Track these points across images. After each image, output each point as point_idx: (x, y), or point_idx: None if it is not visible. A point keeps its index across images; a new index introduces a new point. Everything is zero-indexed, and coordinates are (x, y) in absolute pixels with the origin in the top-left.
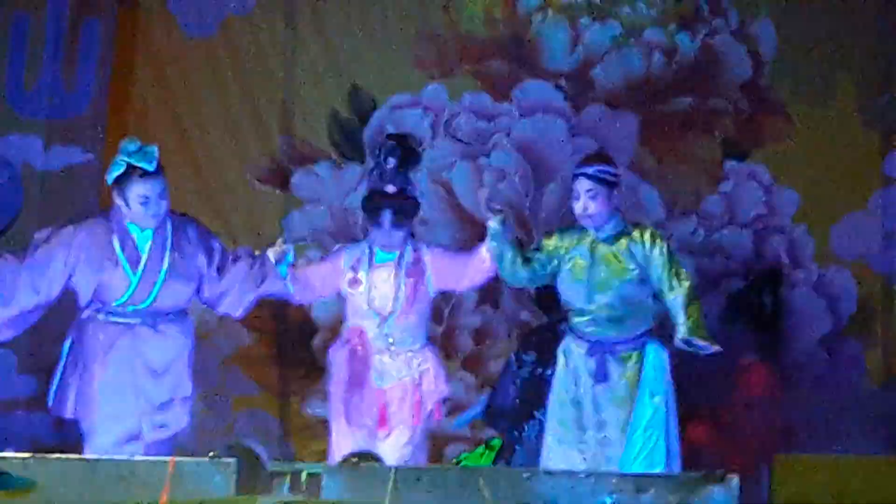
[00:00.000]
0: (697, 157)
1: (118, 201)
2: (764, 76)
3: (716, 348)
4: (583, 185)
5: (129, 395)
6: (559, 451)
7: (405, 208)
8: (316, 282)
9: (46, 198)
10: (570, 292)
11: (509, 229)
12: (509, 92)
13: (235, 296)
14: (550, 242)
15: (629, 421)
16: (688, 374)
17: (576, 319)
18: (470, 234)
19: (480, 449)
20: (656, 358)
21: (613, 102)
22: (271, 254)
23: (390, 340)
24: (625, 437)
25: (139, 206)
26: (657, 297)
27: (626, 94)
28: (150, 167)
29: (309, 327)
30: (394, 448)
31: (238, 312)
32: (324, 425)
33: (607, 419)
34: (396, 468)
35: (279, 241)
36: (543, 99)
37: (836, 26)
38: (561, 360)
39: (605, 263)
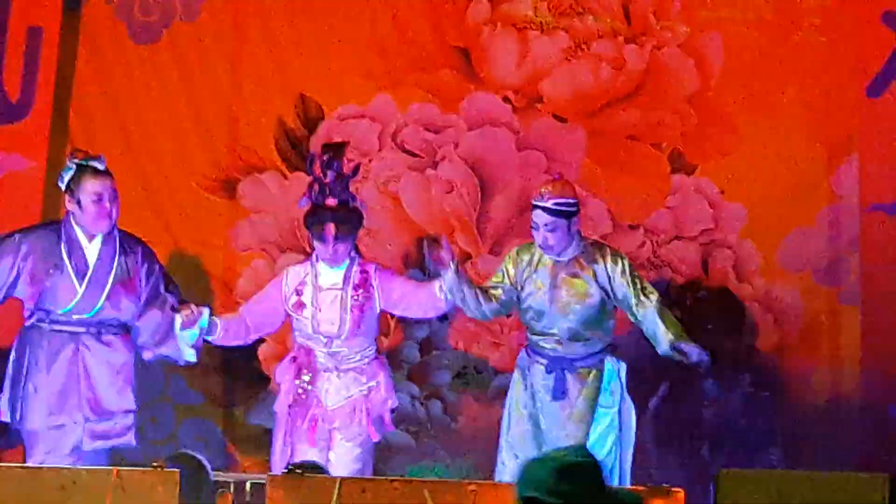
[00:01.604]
0: (645, 170)
1: (70, 206)
2: (712, 89)
3: (705, 355)
4: (542, 218)
5: (72, 404)
6: (515, 466)
7: (348, 220)
8: (259, 319)
9: None
10: (530, 315)
11: (462, 275)
12: (457, 104)
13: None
14: (510, 269)
15: (587, 437)
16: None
17: (535, 337)
18: (418, 246)
19: (425, 465)
20: (612, 372)
21: (561, 115)
22: (178, 318)
23: (338, 359)
24: None
25: (92, 204)
26: (628, 313)
27: (574, 107)
28: (101, 166)
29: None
30: (344, 463)
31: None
32: (268, 435)
33: (566, 436)
34: (342, 479)
35: (192, 306)
36: (491, 111)
37: (783, 40)
38: (517, 374)
39: (566, 287)
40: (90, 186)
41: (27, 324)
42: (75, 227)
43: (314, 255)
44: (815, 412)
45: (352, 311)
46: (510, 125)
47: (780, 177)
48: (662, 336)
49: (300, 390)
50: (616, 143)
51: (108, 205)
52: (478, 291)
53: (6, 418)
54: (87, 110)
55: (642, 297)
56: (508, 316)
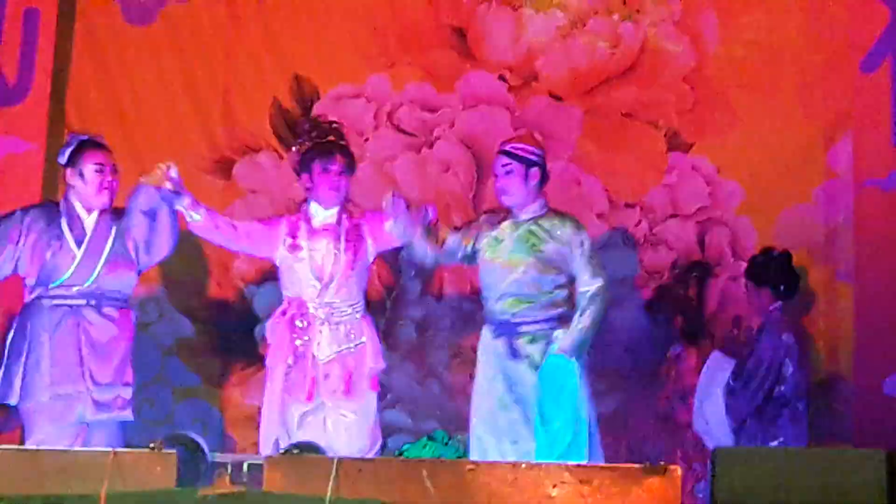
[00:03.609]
0: (641, 148)
1: (71, 180)
2: (707, 67)
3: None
4: (500, 161)
5: (75, 374)
6: (491, 443)
7: (350, 155)
8: (252, 234)
9: None
10: (485, 272)
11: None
12: (453, 83)
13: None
14: (470, 227)
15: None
16: (624, 367)
17: (489, 305)
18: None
19: (423, 440)
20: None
21: (557, 93)
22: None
23: (330, 310)
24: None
25: (95, 174)
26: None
27: (569, 86)
28: (102, 142)
29: (250, 317)
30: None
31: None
32: None
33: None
34: (339, 459)
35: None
36: (487, 90)
37: (778, 17)
38: (480, 357)
39: (520, 241)
40: (92, 156)
41: (28, 300)
42: (75, 201)
43: (307, 201)
44: (812, 388)
45: (346, 251)
46: (506, 104)
47: (775, 154)
48: (560, 333)
49: (300, 346)
50: (612, 121)
51: (109, 177)
52: (428, 238)
53: (14, 400)
54: (83, 92)
55: (588, 277)
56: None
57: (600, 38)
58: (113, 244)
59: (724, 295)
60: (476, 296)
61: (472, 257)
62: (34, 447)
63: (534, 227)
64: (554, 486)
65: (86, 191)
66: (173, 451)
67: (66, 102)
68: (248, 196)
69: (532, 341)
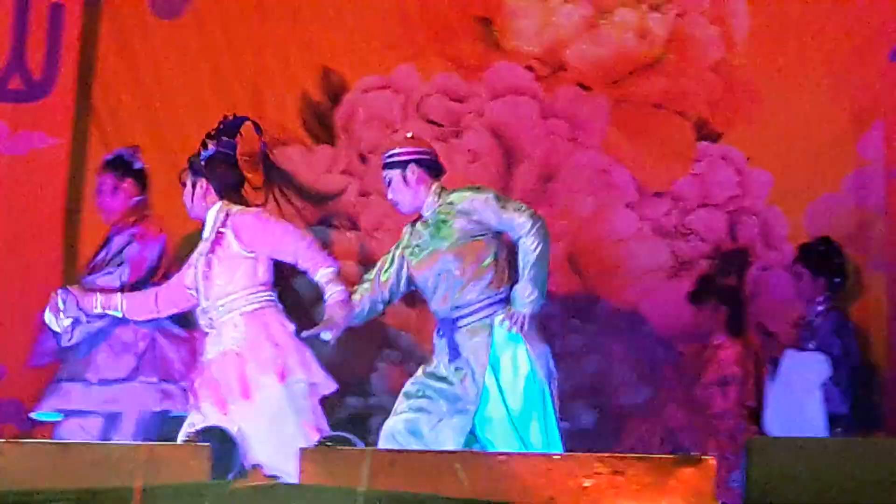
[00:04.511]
0: (670, 138)
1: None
2: (736, 56)
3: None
4: (382, 177)
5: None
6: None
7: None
8: (166, 294)
9: (12, 182)
10: (419, 282)
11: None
12: (480, 73)
13: None
14: (392, 253)
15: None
16: (661, 356)
17: (433, 310)
18: None
19: None
20: (501, 327)
21: (585, 83)
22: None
23: (209, 315)
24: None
25: None
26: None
27: (597, 75)
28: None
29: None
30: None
31: None
32: None
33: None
34: (372, 451)
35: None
36: (515, 80)
37: (807, 6)
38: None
39: (432, 234)
40: None
41: None
42: None
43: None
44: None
45: (208, 253)
46: (534, 94)
47: (805, 143)
48: (521, 272)
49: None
50: (641, 111)
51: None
52: (368, 302)
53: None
54: (111, 86)
55: (515, 220)
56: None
57: (628, 27)
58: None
59: (758, 284)
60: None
61: (404, 284)
62: (66, 441)
63: (440, 215)
64: (587, 477)
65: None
66: (206, 444)
67: (92, 97)
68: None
69: (474, 335)
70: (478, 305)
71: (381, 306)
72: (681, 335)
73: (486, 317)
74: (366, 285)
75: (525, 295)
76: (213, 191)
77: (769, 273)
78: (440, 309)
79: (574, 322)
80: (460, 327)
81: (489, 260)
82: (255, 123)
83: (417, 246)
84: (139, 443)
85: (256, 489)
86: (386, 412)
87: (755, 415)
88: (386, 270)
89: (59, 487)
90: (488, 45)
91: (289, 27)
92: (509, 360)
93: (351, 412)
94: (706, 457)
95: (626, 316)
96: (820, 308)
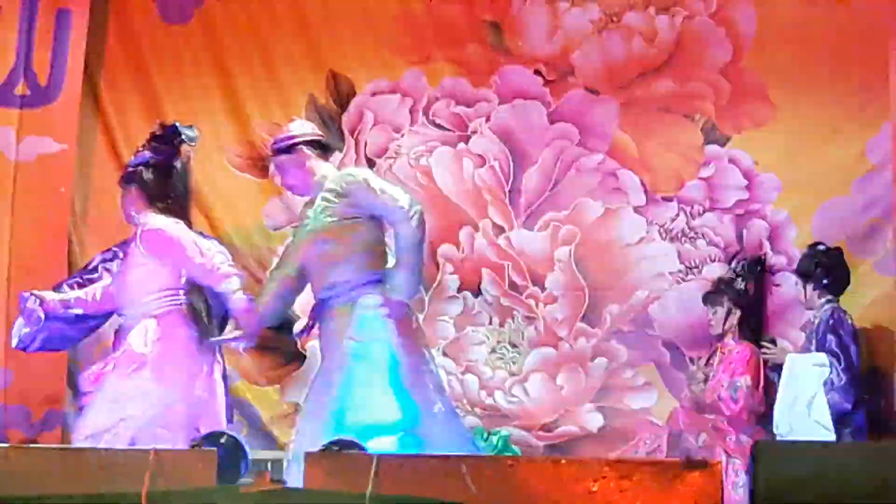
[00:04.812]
0: (678, 141)
1: None
2: (744, 59)
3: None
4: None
5: None
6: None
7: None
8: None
9: (20, 188)
10: (302, 261)
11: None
12: (488, 77)
13: None
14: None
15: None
16: (669, 360)
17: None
18: (450, 220)
19: None
20: (366, 307)
21: (593, 87)
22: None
23: (126, 316)
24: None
25: None
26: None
27: (605, 79)
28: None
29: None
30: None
31: None
32: None
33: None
34: (379, 455)
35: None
36: (523, 84)
37: (814, 9)
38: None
39: (313, 216)
40: None
41: None
42: None
43: None
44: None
45: (125, 258)
46: (542, 98)
47: (814, 146)
48: (395, 259)
49: None
50: (649, 114)
51: None
52: (279, 300)
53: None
54: (118, 92)
55: (392, 205)
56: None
57: (636, 31)
58: None
59: (766, 289)
60: (515, 291)
61: (297, 270)
62: (74, 447)
63: (321, 197)
64: (594, 481)
65: None
66: (213, 448)
67: (99, 103)
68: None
69: (341, 316)
70: (347, 287)
71: (292, 297)
72: (689, 339)
73: (355, 298)
74: (272, 284)
75: (396, 282)
76: (142, 198)
77: (777, 277)
78: (316, 291)
79: (581, 326)
80: (331, 307)
81: (361, 243)
82: (183, 132)
83: (302, 228)
84: (147, 447)
85: (263, 493)
86: None
87: (764, 419)
88: (284, 262)
89: (67, 492)
90: (496, 49)
91: (297, 32)
92: (368, 344)
93: None
94: (713, 461)
95: (634, 320)
96: (820, 311)
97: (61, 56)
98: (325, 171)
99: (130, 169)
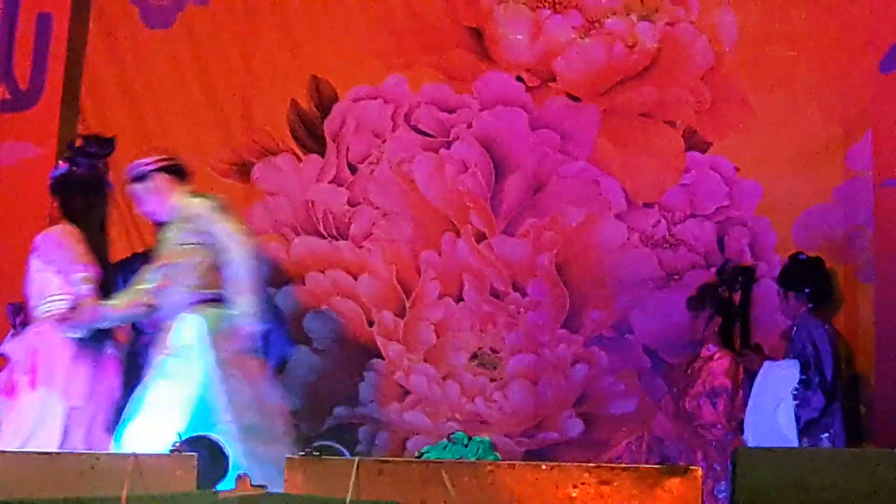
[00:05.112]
0: (659, 148)
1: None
2: (725, 66)
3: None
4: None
5: None
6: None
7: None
8: None
9: None
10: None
11: None
12: (470, 83)
13: None
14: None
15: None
16: (649, 367)
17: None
18: (432, 226)
19: (443, 442)
20: (184, 326)
21: (574, 94)
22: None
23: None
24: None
25: None
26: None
27: (587, 86)
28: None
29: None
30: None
31: None
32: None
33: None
34: (359, 460)
35: None
36: (505, 90)
37: (796, 16)
38: None
39: (161, 238)
40: None
41: None
42: None
43: None
44: None
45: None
46: (523, 104)
47: (794, 153)
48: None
49: None
50: (630, 121)
51: None
52: (132, 310)
53: None
54: (100, 96)
55: (227, 241)
56: None
57: (618, 37)
58: None
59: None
60: (497, 297)
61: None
62: (54, 451)
63: (172, 221)
64: (574, 487)
65: None
66: (194, 453)
67: (80, 108)
68: (267, 199)
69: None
70: (182, 304)
71: (142, 309)
72: (669, 346)
73: (180, 313)
74: (131, 293)
75: (241, 306)
76: (58, 209)
77: (757, 285)
78: (158, 307)
79: (562, 332)
80: (159, 329)
81: (193, 268)
82: (103, 142)
83: (156, 250)
84: (126, 452)
85: (244, 499)
86: (374, 422)
87: (743, 426)
88: (147, 279)
89: (46, 497)
90: (478, 55)
91: (279, 37)
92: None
93: (339, 421)
94: (693, 467)
95: (615, 326)
96: (799, 320)
97: (42, 60)
98: (180, 196)
99: (51, 180)
